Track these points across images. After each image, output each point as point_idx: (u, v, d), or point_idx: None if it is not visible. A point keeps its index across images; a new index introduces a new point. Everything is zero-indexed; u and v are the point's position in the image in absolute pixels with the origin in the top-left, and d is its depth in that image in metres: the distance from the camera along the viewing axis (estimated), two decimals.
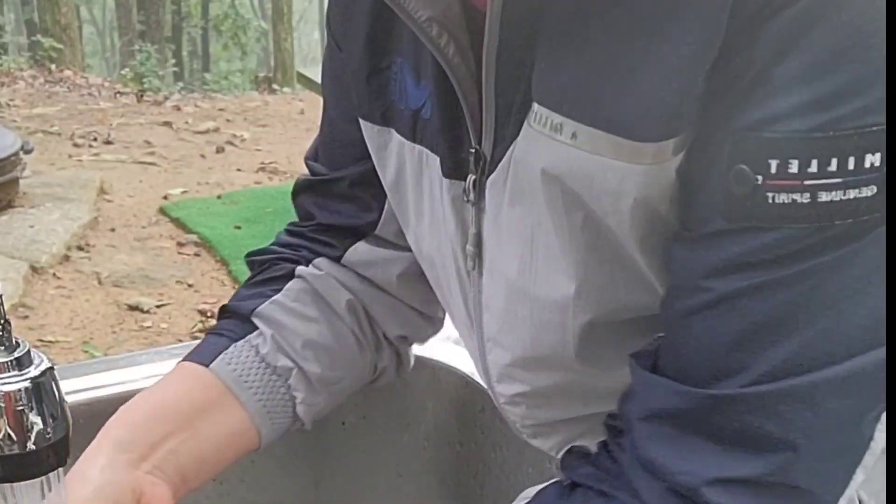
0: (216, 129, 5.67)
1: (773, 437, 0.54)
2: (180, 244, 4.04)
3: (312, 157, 0.91)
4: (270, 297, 0.86)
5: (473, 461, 0.99)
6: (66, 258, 3.78)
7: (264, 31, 14.55)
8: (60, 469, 0.56)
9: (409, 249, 0.83)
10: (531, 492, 0.71)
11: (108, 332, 3.33)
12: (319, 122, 0.89)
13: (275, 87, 9.23)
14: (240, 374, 0.81)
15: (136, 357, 0.95)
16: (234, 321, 0.85)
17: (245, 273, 0.92)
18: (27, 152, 4.15)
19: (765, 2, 0.51)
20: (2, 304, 0.52)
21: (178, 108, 6.22)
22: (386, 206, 0.84)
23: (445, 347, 0.99)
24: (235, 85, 11.92)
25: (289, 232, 0.93)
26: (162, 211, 4.37)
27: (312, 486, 1.01)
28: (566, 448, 0.71)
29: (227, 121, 5.95)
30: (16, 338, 0.54)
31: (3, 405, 0.53)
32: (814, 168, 0.51)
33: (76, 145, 5.21)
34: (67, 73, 7.59)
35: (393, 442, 1.01)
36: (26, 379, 0.54)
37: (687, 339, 0.57)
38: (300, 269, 0.87)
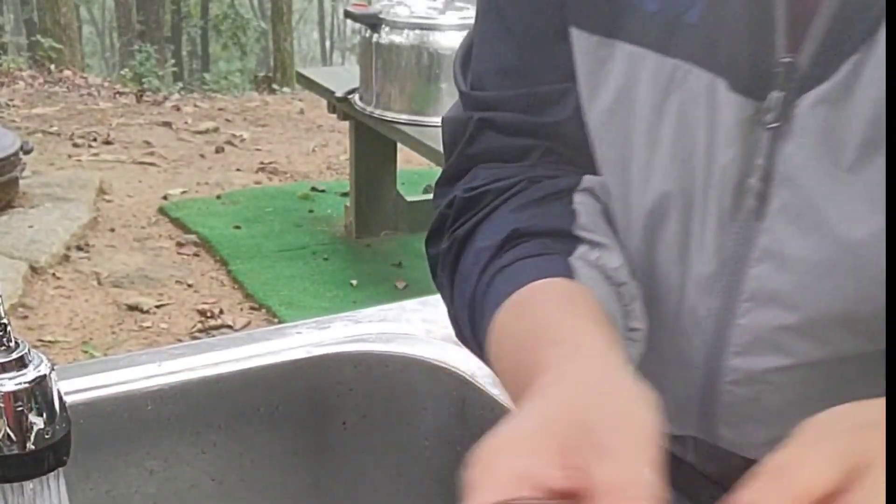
0: (216, 129, 5.67)
1: None
2: (180, 244, 4.03)
3: (478, 85, 0.72)
4: (572, 210, 0.66)
5: None
6: (66, 258, 3.78)
7: (264, 31, 14.54)
8: (60, 469, 0.56)
9: None
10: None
11: (108, 332, 3.33)
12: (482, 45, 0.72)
13: (274, 87, 9.23)
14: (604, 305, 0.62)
15: (135, 357, 0.95)
16: (544, 240, 0.64)
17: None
18: (27, 152, 4.15)
19: None
20: (1, 304, 0.52)
21: (178, 108, 6.22)
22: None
23: (445, 347, 0.99)
24: (235, 85, 11.91)
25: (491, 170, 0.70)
26: (161, 211, 4.37)
27: (312, 486, 1.01)
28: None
29: (227, 121, 5.95)
30: (15, 338, 0.54)
31: (2, 405, 0.53)
32: None
33: (76, 145, 5.21)
34: (67, 73, 7.58)
35: (393, 442, 1.01)
36: (26, 379, 0.54)
37: None
38: (588, 181, 0.68)
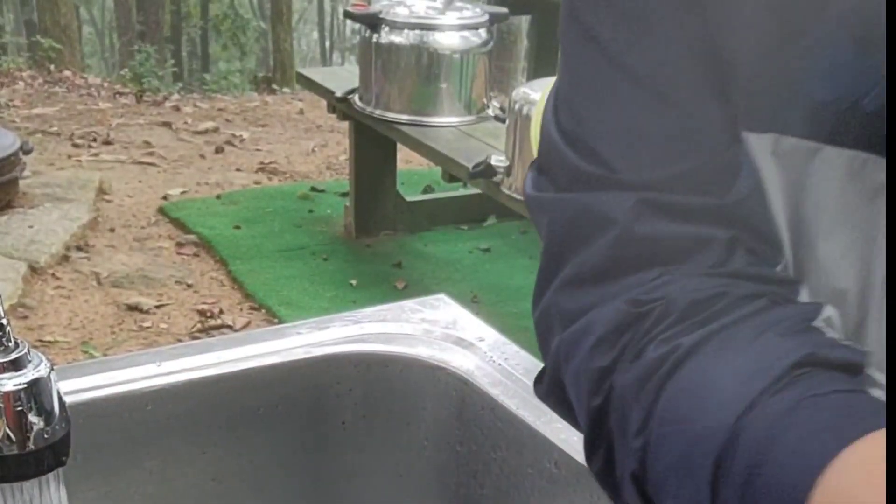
0: (215, 130, 5.67)
1: None
2: (179, 244, 4.03)
3: (608, 160, 0.58)
4: (831, 338, 0.54)
5: (473, 461, 0.98)
6: (66, 258, 3.78)
7: (264, 32, 14.54)
8: (60, 469, 0.56)
9: None
10: None
11: (108, 333, 3.33)
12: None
13: (274, 87, 9.22)
14: None
15: (135, 357, 0.95)
16: (835, 374, 0.52)
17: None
18: (26, 152, 4.15)
19: None
20: (1, 304, 0.52)
21: (178, 109, 6.22)
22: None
23: (445, 347, 0.99)
24: (235, 85, 11.90)
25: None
26: (161, 211, 4.37)
27: (312, 486, 1.01)
28: None
29: (227, 121, 5.94)
30: (15, 338, 0.54)
31: (2, 405, 0.53)
32: None
33: (75, 145, 5.21)
34: (67, 73, 7.58)
35: (393, 442, 1.01)
36: (25, 379, 0.54)
37: None
38: (828, 308, 0.56)
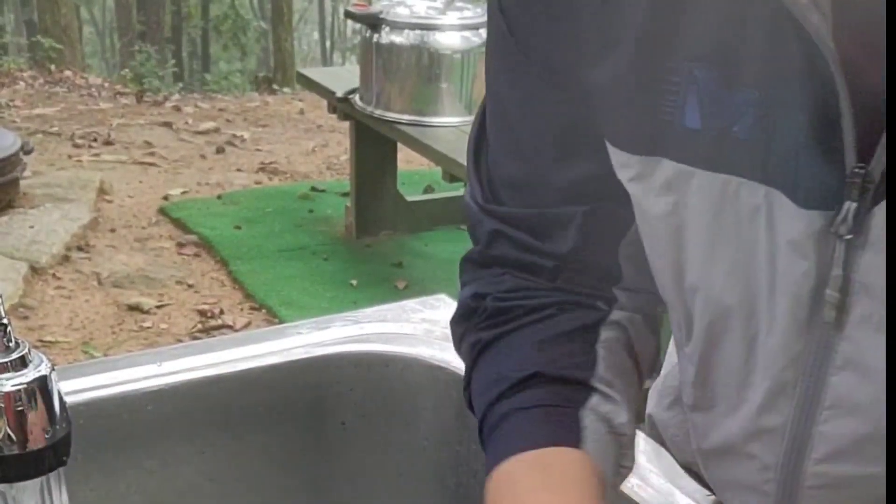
0: (216, 130, 5.67)
1: None
2: (180, 244, 4.04)
3: (491, 190, 0.72)
4: (591, 353, 0.69)
5: (473, 461, 0.99)
6: (66, 258, 3.78)
7: (264, 32, 14.54)
8: (61, 469, 0.56)
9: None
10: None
11: (108, 333, 3.33)
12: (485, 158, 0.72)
13: (275, 87, 9.22)
14: (600, 453, 0.65)
15: (135, 357, 0.95)
16: (562, 387, 0.67)
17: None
18: (27, 153, 4.15)
19: None
20: (1, 304, 0.53)
21: (178, 109, 6.22)
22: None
23: (445, 347, 0.99)
24: (235, 85, 11.91)
25: (525, 280, 0.72)
26: (162, 211, 4.37)
27: (312, 486, 1.01)
28: None
29: (227, 121, 5.94)
30: (16, 338, 0.54)
31: (3, 406, 0.53)
32: None
33: (76, 146, 5.21)
34: (67, 73, 7.58)
35: (393, 442, 1.01)
36: (26, 379, 0.54)
37: None
38: (616, 314, 0.71)
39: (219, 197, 4.57)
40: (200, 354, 0.95)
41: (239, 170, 5.01)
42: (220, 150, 5.28)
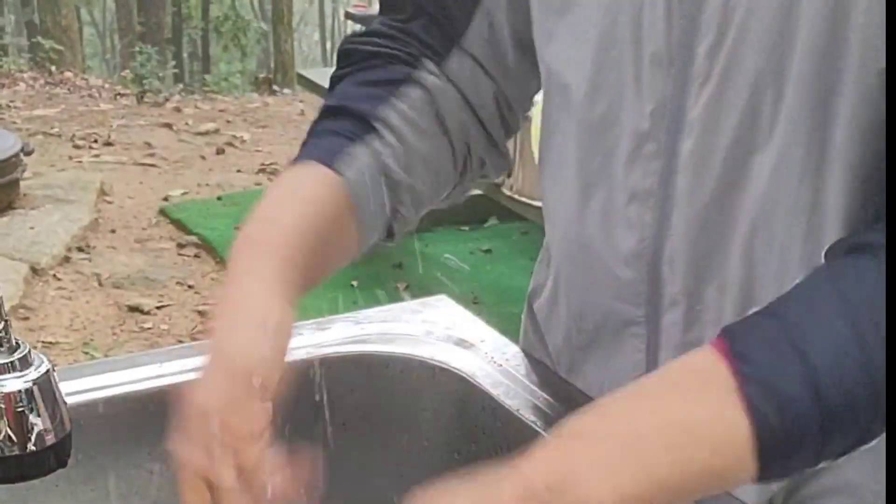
0: (216, 131, 5.67)
1: None
2: (180, 245, 4.03)
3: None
4: (388, 100, 0.78)
5: (474, 462, 0.99)
6: (67, 259, 3.78)
7: (264, 33, 14.54)
8: (61, 470, 0.56)
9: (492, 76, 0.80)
10: None
11: (109, 334, 3.33)
12: None
13: (275, 88, 9.23)
14: (359, 182, 0.75)
15: (136, 358, 0.95)
16: (349, 121, 0.78)
17: None
18: (27, 154, 4.15)
19: None
20: (2, 305, 0.53)
21: (179, 110, 6.22)
22: (477, 13, 0.79)
23: (445, 348, 0.99)
24: (235, 86, 11.91)
25: (384, 24, 0.83)
26: (162, 212, 4.37)
27: (312, 486, 1.01)
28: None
29: (228, 122, 5.95)
30: (16, 339, 0.54)
31: (3, 406, 0.53)
32: None
33: (76, 147, 5.21)
34: (68, 74, 7.59)
35: (393, 442, 1.01)
36: (27, 380, 0.54)
37: None
38: (418, 73, 0.79)
39: (219, 198, 4.57)
40: (201, 355, 0.95)
41: (239, 171, 5.01)
42: (220, 151, 5.28)
